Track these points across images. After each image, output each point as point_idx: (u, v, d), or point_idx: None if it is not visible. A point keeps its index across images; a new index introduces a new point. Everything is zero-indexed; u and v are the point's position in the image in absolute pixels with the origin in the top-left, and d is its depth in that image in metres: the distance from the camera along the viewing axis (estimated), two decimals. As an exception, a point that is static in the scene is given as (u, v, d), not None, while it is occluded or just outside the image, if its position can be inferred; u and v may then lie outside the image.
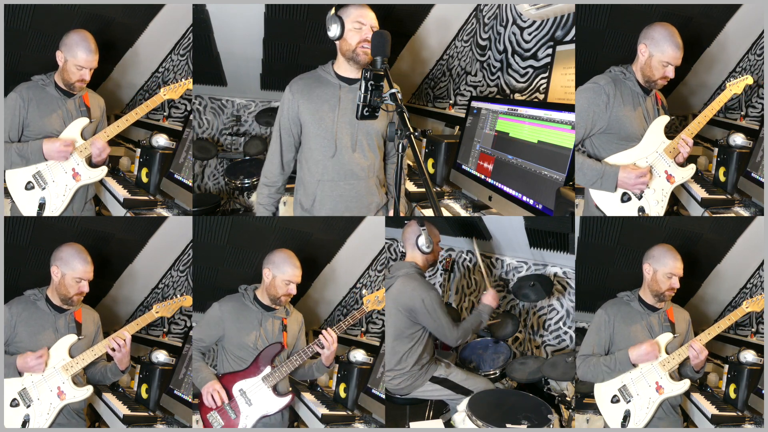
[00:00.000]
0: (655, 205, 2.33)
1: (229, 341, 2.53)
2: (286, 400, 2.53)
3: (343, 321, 2.60)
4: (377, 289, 2.70)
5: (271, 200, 2.48)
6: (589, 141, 2.37)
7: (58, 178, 2.52)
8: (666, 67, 2.27)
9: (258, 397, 2.50)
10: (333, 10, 2.25)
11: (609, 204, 2.33)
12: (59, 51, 2.49)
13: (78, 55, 2.47)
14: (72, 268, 2.42)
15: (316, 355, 2.59)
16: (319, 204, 2.38)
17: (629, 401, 2.39)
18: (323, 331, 2.54)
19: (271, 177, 2.45)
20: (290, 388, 2.62)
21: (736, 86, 2.43)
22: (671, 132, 2.42)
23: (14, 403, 2.36)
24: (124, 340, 2.44)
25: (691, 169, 2.37)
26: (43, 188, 2.51)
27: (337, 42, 2.30)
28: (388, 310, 2.68)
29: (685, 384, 2.38)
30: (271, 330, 2.57)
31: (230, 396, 2.48)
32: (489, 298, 2.84)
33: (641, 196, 2.32)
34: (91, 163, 2.60)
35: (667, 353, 2.40)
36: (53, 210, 2.52)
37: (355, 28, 2.23)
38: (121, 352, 2.45)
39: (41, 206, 2.51)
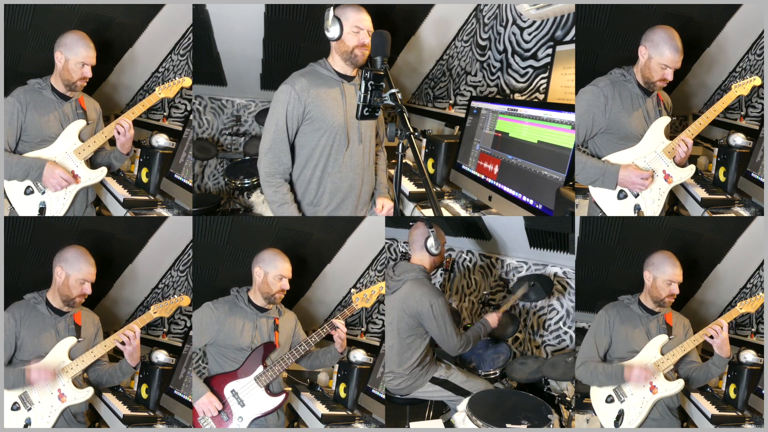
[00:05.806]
0: (651, 204, 2.36)
1: (222, 343, 2.52)
2: (279, 400, 2.53)
3: (335, 318, 2.59)
4: (366, 287, 2.70)
5: (289, 192, 2.46)
6: (591, 141, 2.43)
7: (57, 180, 2.52)
8: (664, 70, 2.30)
9: (251, 397, 2.50)
10: (331, 11, 2.31)
11: (606, 200, 2.39)
12: (58, 52, 2.48)
13: (79, 52, 2.47)
14: (77, 270, 2.42)
15: (319, 345, 2.59)
16: (330, 195, 2.46)
17: (623, 401, 2.39)
18: (334, 320, 2.56)
19: (283, 166, 2.43)
20: (285, 387, 2.61)
21: (742, 87, 2.44)
22: (673, 132, 2.42)
23: (15, 407, 2.36)
24: (134, 333, 2.44)
25: (691, 169, 2.39)
26: (43, 192, 2.50)
27: (333, 42, 2.37)
28: (391, 311, 2.67)
29: (679, 384, 2.37)
30: (266, 331, 2.57)
31: (222, 398, 2.48)
32: (493, 317, 2.83)
33: (638, 194, 2.36)
34: (91, 165, 2.60)
35: (662, 354, 2.40)
36: (54, 214, 2.51)
37: (353, 32, 2.34)
38: (132, 346, 2.44)
39: (41, 210, 2.50)
